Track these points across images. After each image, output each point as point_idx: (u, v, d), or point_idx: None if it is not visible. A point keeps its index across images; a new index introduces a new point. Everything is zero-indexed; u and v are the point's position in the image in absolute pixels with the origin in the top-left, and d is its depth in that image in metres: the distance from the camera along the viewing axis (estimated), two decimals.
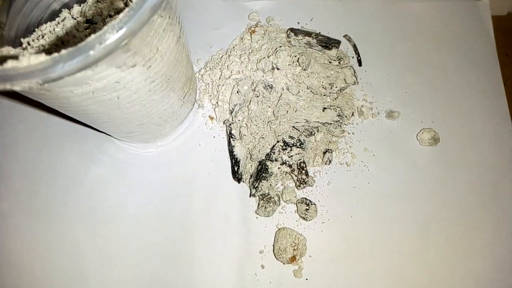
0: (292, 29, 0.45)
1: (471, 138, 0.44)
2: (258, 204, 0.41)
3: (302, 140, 0.41)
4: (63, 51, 0.20)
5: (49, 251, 0.42)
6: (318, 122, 0.42)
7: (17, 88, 0.20)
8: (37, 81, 0.20)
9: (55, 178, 0.44)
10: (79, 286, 0.41)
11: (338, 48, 0.45)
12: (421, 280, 0.40)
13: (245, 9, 0.49)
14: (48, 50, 0.32)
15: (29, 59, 0.20)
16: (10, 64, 0.20)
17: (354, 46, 0.47)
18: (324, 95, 0.43)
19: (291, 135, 0.41)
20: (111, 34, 0.20)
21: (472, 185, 0.43)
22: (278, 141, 0.41)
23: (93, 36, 0.20)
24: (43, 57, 0.20)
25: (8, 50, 0.29)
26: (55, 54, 0.20)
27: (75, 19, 0.36)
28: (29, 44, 0.34)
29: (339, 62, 0.45)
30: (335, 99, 0.43)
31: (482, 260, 0.41)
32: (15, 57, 0.20)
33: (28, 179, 0.44)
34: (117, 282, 0.41)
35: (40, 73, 0.20)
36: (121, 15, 0.20)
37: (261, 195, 0.41)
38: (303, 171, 0.41)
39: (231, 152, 0.43)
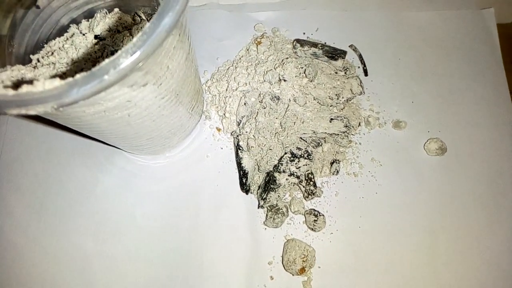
0: (298, 40, 0.46)
1: (478, 147, 0.44)
2: (267, 215, 0.41)
3: (310, 151, 0.41)
4: (78, 76, 0.20)
5: (58, 262, 0.42)
6: (325, 133, 0.42)
7: (32, 112, 0.20)
8: (52, 106, 0.20)
9: (65, 190, 0.44)
10: None
11: (344, 58, 0.46)
12: None
13: (250, 20, 0.50)
14: (60, 70, 0.33)
15: (44, 84, 0.20)
16: (25, 89, 0.20)
17: (360, 56, 0.48)
18: (331, 106, 0.43)
19: (298, 146, 0.41)
20: (125, 58, 0.20)
21: (479, 194, 0.43)
22: (285, 153, 0.41)
23: (107, 60, 0.20)
24: (57, 82, 0.20)
25: (18, 68, 0.30)
26: (70, 79, 0.20)
27: (83, 34, 0.36)
28: (38, 61, 0.34)
29: (345, 73, 0.45)
30: (342, 109, 0.44)
31: (491, 269, 0.41)
32: (29, 82, 0.21)
33: (38, 192, 0.44)
34: None
35: (55, 98, 0.20)
36: (134, 39, 0.21)
37: (269, 206, 0.41)
38: (311, 182, 0.41)
39: (239, 164, 0.43)
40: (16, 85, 0.21)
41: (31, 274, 0.42)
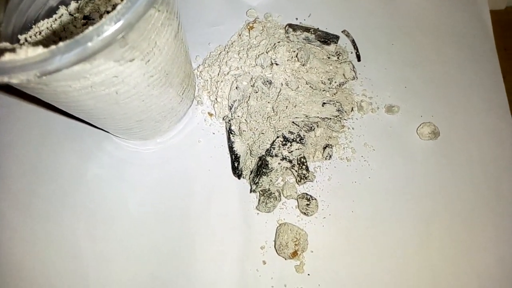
0: (290, 25, 0.45)
1: (471, 131, 0.44)
2: (259, 200, 0.41)
3: (302, 135, 0.41)
4: (61, 43, 0.20)
5: (47, 250, 0.41)
6: (318, 117, 0.42)
7: (14, 80, 0.20)
8: (35, 74, 0.20)
9: (54, 177, 0.44)
10: (78, 285, 0.40)
11: (336, 43, 0.45)
12: (422, 274, 0.40)
13: (243, 6, 0.49)
14: (46, 45, 0.32)
15: (27, 51, 0.20)
16: (7, 56, 0.20)
17: (353, 41, 0.47)
18: (323, 90, 0.43)
19: (290, 130, 0.41)
20: (109, 26, 0.20)
21: (472, 178, 0.43)
22: (278, 137, 0.41)
23: (90, 28, 0.20)
24: (40, 49, 0.20)
25: (5, 45, 0.29)
26: (53, 46, 0.20)
27: (72, 15, 0.36)
28: (26, 40, 0.33)
29: (338, 57, 0.45)
30: (334, 94, 0.43)
31: (484, 254, 0.41)
32: (12, 50, 0.20)
33: (27, 178, 0.44)
34: (117, 281, 0.40)
35: (38, 65, 0.20)
36: (118, 7, 0.20)
37: (261, 190, 0.41)
38: (304, 166, 0.41)
39: (230, 148, 0.43)
40: None
41: (20, 260, 0.41)
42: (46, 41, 0.33)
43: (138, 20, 0.21)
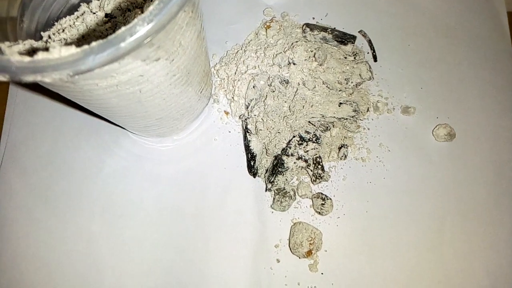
0: (307, 24, 0.45)
1: (486, 133, 0.44)
2: (274, 198, 0.41)
3: (318, 135, 0.41)
4: (94, 43, 0.20)
5: (64, 243, 0.42)
6: (334, 117, 0.42)
7: (47, 79, 0.20)
8: (67, 73, 0.20)
9: (71, 172, 0.44)
10: (94, 278, 0.41)
11: (353, 43, 0.45)
12: (436, 275, 0.40)
13: (259, 5, 0.49)
14: (70, 43, 0.32)
15: (60, 51, 0.20)
16: (41, 55, 0.20)
17: (369, 42, 0.47)
18: (340, 90, 0.43)
19: (307, 130, 0.41)
20: (142, 26, 0.20)
21: (487, 180, 0.43)
22: (294, 136, 0.41)
23: (123, 28, 0.20)
24: (73, 49, 0.20)
25: (30, 42, 0.29)
26: (86, 46, 0.20)
27: (94, 13, 0.36)
28: (49, 37, 0.34)
29: (355, 58, 0.45)
30: (350, 94, 0.43)
31: (497, 255, 0.41)
32: (45, 49, 0.20)
33: (44, 172, 0.44)
34: (132, 274, 0.41)
35: (71, 65, 0.20)
36: (150, 7, 0.21)
37: (276, 189, 0.41)
38: (319, 166, 0.41)
39: (247, 147, 0.43)
40: (31, 53, 0.21)
41: (36, 256, 0.42)
42: (70, 39, 0.33)
43: (170, 21, 0.21)
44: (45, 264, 0.41)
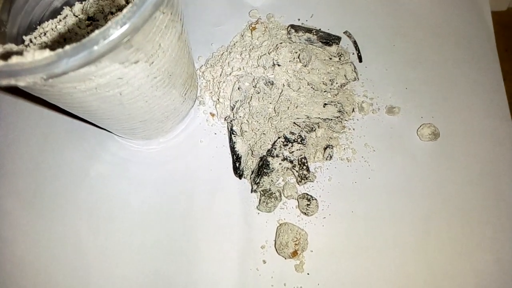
0: (292, 26, 0.46)
1: (471, 133, 0.45)
2: (260, 199, 0.42)
3: (303, 136, 0.41)
4: (67, 47, 0.20)
5: (51, 248, 0.42)
6: (319, 118, 0.42)
7: (21, 83, 0.20)
8: (41, 77, 0.20)
9: (57, 176, 0.44)
10: (82, 282, 0.41)
11: (338, 44, 0.46)
12: (422, 274, 0.40)
13: (245, 6, 0.50)
14: (51, 47, 0.33)
15: (34, 54, 0.20)
16: (14, 59, 0.20)
17: (354, 43, 0.48)
18: (324, 91, 0.43)
19: (292, 131, 0.41)
20: (115, 29, 0.20)
21: (472, 179, 0.43)
22: (279, 137, 0.41)
23: (97, 31, 0.20)
24: (47, 53, 0.20)
25: (11, 47, 0.29)
26: (60, 50, 0.20)
27: (76, 16, 0.36)
28: (31, 41, 0.34)
29: (340, 58, 0.45)
30: (335, 95, 0.44)
31: (483, 254, 0.41)
32: (19, 53, 0.21)
33: (30, 177, 0.44)
34: (120, 278, 0.41)
35: (45, 69, 0.20)
36: (124, 10, 0.21)
37: (262, 190, 0.41)
38: (304, 167, 0.41)
39: (232, 149, 0.43)
40: (6, 56, 0.21)
41: (23, 260, 0.42)
42: (51, 42, 0.33)
43: (144, 24, 0.21)
44: (32, 269, 0.41)
